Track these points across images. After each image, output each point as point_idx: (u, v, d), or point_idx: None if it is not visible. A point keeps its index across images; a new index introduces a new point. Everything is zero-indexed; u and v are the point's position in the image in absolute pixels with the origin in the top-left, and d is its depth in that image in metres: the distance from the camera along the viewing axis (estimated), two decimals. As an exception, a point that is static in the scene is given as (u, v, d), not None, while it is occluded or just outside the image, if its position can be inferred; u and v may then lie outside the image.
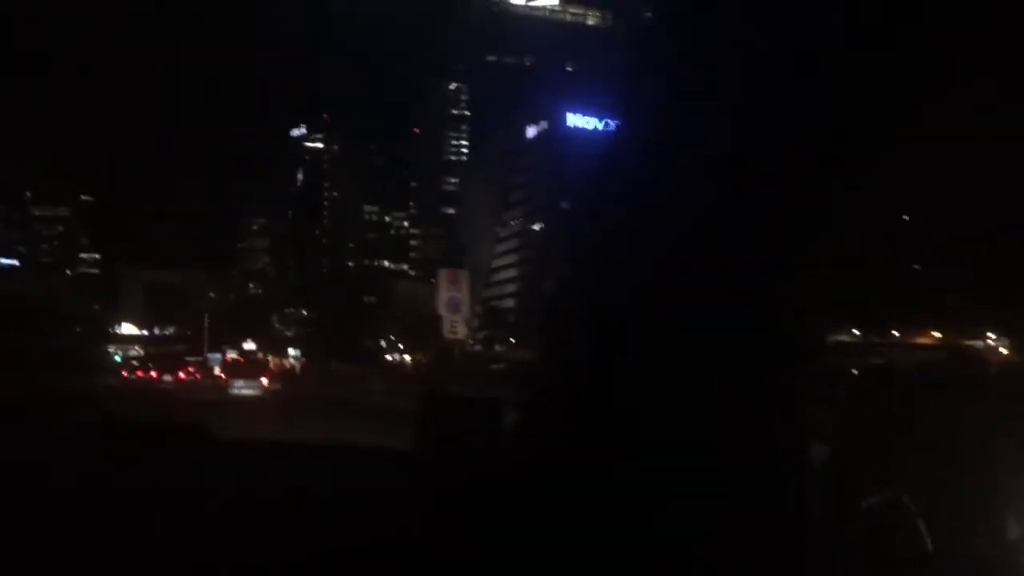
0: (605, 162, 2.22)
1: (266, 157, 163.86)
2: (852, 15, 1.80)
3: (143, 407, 31.48)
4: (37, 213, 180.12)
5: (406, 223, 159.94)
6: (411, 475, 2.09)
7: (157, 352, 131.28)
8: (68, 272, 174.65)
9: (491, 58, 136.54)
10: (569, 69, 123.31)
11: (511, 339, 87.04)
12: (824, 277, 2.02)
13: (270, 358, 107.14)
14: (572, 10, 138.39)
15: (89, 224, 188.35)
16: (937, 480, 2.58)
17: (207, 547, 1.85)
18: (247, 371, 65.80)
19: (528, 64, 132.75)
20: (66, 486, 2.03)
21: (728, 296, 1.78)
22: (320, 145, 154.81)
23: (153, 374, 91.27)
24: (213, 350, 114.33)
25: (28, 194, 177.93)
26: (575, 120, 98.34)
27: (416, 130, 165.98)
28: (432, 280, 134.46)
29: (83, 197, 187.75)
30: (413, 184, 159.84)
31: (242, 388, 53.46)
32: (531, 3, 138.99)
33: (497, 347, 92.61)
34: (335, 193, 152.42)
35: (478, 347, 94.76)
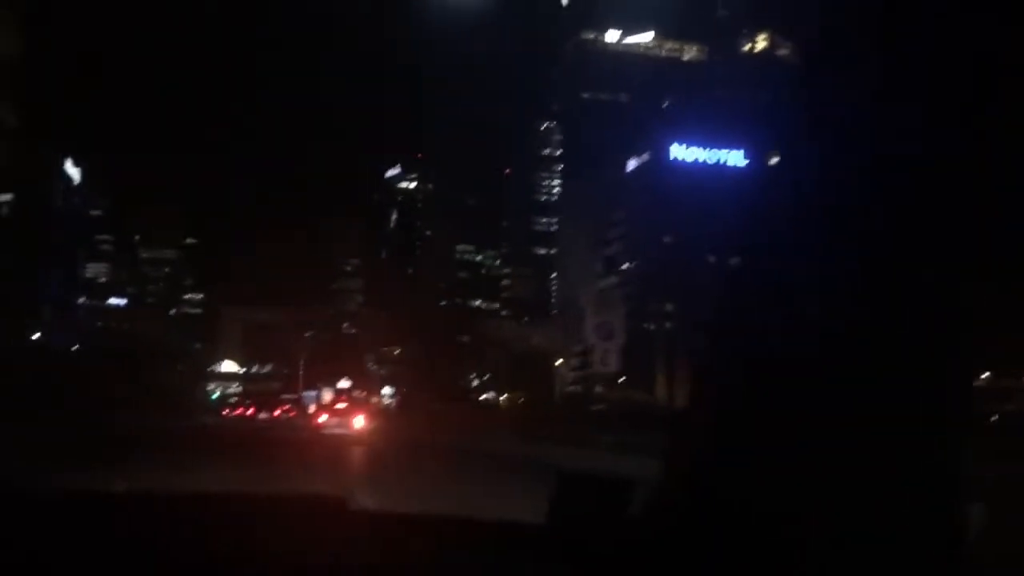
0: (762, 197, 1.90)
1: (361, 198, 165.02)
2: None
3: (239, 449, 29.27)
4: (145, 256, 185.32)
5: (497, 262, 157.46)
6: (542, 552, 1.93)
7: (254, 389, 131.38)
8: (172, 312, 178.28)
9: (585, 95, 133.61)
10: (665, 105, 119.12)
11: (618, 379, 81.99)
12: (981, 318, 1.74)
13: (363, 394, 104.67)
14: (668, 46, 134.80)
15: (192, 266, 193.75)
16: None
17: None
18: (343, 410, 63.47)
19: (623, 101, 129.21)
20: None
21: (910, 348, 1.57)
22: (414, 185, 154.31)
23: (250, 411, 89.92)
24: (308, 388, 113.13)
25: (137, 237, 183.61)
26: (678, 152, 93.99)
27: (507, 170, 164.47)
28: (525, 319, 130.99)
29: (187, 240, 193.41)
30: (504, 224, 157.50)
31: (336, 427, 50.12)
32: (625, 40, 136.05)
33: (597, 388, 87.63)
34: (428, 232, 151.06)
35: (576, 388, 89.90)
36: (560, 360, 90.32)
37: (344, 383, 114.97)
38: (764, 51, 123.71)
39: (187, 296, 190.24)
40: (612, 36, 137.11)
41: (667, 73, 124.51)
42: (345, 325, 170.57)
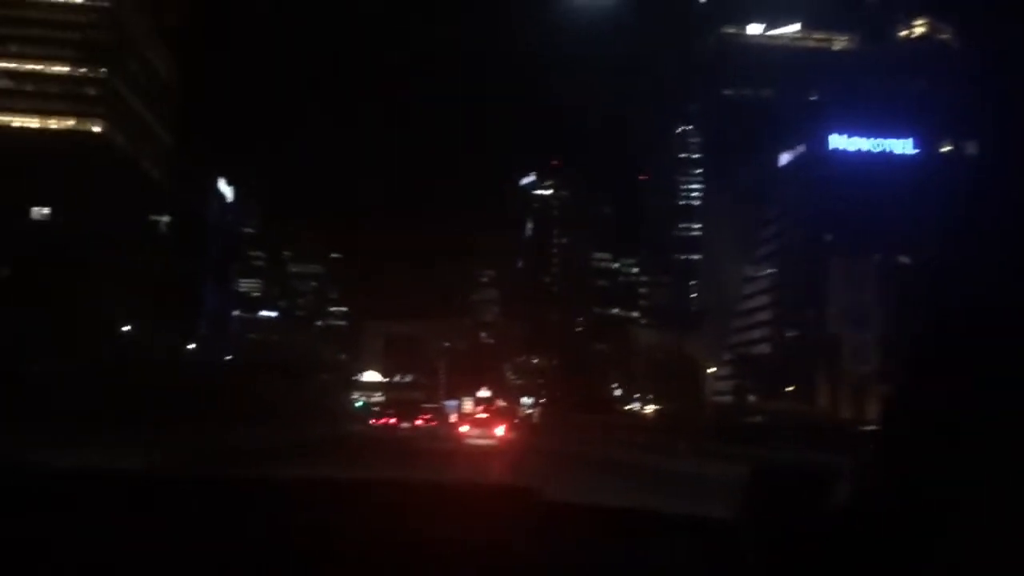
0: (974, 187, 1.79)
1: (497, 208, 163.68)
2: None
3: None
4: (294, 270, 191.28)
5: (635, 270, 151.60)
6: (735, 545, 1.90)
7: (395, 398, 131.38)
8: (319, 323, 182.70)
9: (727, 92, 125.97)
10: (815, 97, 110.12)
11: (785, 388, 74.73)
12: None
13: (503, 403, 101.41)
14: (816, 36, 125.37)
15: (337, 280, 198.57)
16: None
17: None
18: (485, 420, 60.37)
19: (766, 96, 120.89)
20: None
21: None
22: (550, 192, 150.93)
23: (392, 420, 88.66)
24: (449, 398, 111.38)
25: (287, 254, 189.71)
26: (839, 143, 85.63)
27: (643, 176, 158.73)
28: (664, 327, 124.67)
29: (332, 255, 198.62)
30: (642, 230, 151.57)
31: (478, 437, 46.66)
32: (770, 32, 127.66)
33: (750, 398, 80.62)
34: (564, 240, 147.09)
35: (727, 398, 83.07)
36: (714, 368, 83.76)
37: (484, 392, 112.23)
38: (923, 36, 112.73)
39: (332, 309, 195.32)
40: (755, 29, 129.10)
41: (816, 64, 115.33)
42: (483, 335, 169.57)
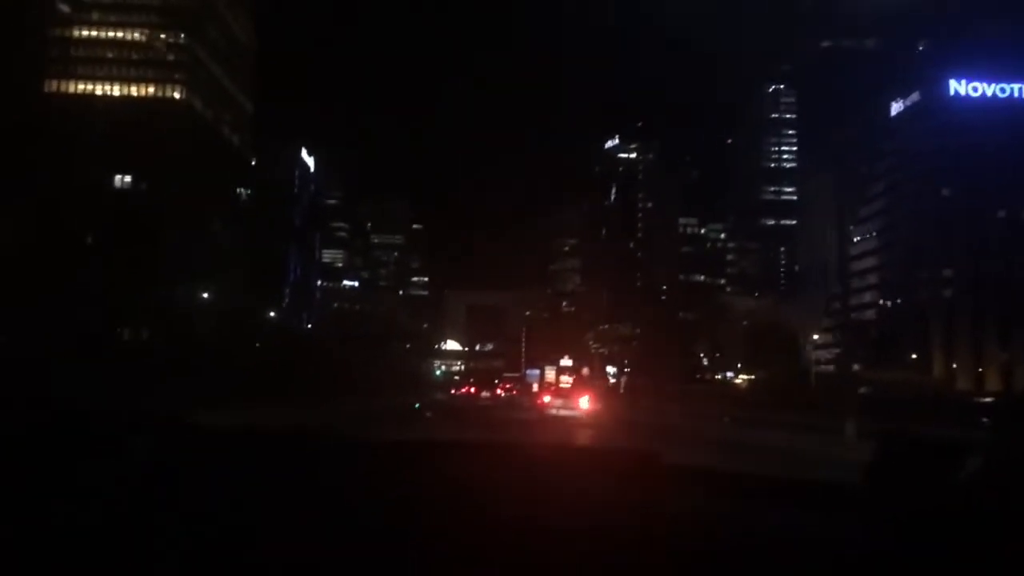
0: None
1: (579, 174, 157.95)
2: None
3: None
4: (376, 241, 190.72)
5: (723, 235, 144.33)
6: (862, 513, 1.88)
7: (476, 367, 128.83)
8: (400, 293, 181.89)
9: (826, 44, 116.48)
10: (921, 47, 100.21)
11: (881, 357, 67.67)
12: None
13: (589, 373, 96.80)
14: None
15: (419, 250, 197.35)
16: None
17: None
18: (568, 390, 56.16)
19: (870, 47, 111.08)
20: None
21: None
22: (634, 155, 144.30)
23: (472, 390, 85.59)
24: (530, 367, 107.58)
25: (369, 224, 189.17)
26: (959, 88, 76.55)
27: (729, 140, 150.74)
28: (756, 294, 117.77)
29: (414, 226, 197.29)
30: (729, 195, 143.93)
31: (561, 408, 42.37)
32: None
33: (855, 367, 73.72)
34: (649, 205, 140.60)
35: (828, 367, 76.24)
36: (818, 335, 76.75)
37: (566, 361, 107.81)
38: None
39: (414, 279, 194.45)
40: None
41: (925, 9, 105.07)
42: (564, 304, 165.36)
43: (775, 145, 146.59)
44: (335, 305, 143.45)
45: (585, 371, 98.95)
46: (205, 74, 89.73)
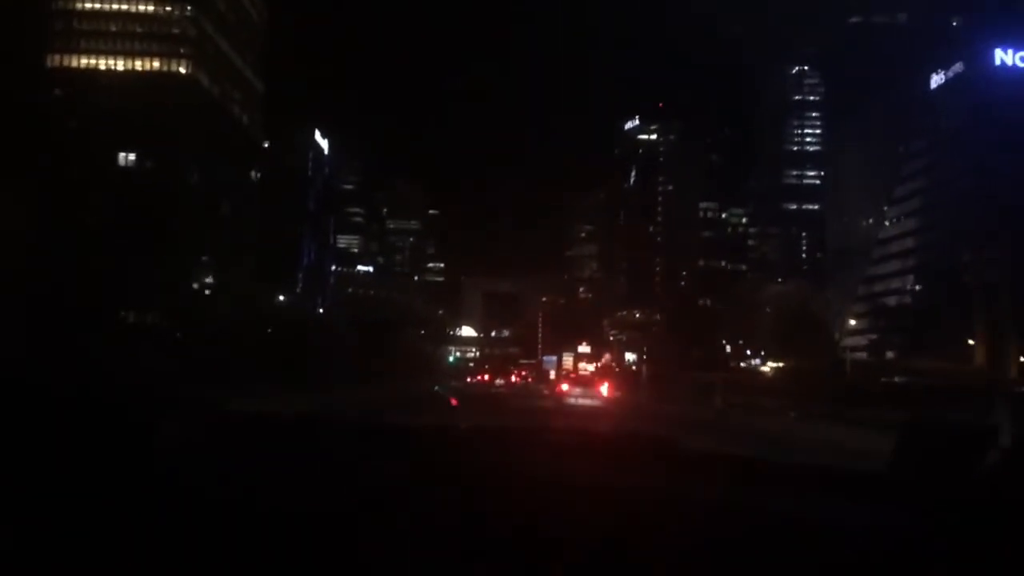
0: None
1: (597, 159, 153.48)
2: None
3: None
4: (392, 226, 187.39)
5: (744, 220, 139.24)
6: (887, 499, 1.87)
7: (491, 354, 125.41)
8: (416, 279, 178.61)
9: (855, 20, 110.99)
10: (955, 22, 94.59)
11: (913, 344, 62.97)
12: None
13: (609, 360, 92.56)
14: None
15: (435, 236, 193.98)
16: None
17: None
18: (587, 377, 52.55)
19: (901, 22, 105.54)
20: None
21: None
22: (655, 136, 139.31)
23: (487, 377, 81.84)
24: (547, 353, 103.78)
25: (385, 210, 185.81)
26: (1005, 58, 71.24)
27: (752, 123, 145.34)
28: (779, 280, 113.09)
29: (430, 211, 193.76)
30: (751, 179, 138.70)
31: (581, 396, 39.16)
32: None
33: (889, 354, 69.09)
34: (669, 188, 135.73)
35: (860, 354, 71.59)
36: (853, 321, 72.07)
37: (584, 347, 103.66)
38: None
39: (429, 265, 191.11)
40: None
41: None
42: (581, 290, 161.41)
43: (798, 128, 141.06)
44: (349, 290, 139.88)
45: (607, 357, 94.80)
46: (213, 49, 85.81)
